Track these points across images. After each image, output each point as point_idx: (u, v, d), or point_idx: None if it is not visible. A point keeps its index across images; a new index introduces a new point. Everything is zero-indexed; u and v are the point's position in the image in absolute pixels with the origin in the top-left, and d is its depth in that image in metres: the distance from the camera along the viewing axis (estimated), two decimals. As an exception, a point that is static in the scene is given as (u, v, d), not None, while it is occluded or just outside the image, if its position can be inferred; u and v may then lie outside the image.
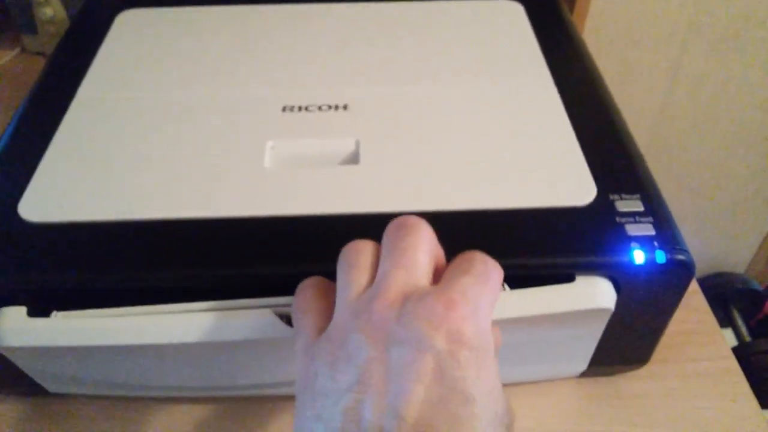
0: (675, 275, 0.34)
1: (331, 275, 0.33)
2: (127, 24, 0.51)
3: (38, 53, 0.72)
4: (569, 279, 0.34)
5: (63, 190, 0.38)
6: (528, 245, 0.34)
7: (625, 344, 0.39)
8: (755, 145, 1.00)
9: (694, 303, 0.46)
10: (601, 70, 0.47)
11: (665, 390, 0.42)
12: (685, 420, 0.40)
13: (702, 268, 1.19)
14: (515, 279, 0.35)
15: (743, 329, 1.09)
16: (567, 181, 0.37)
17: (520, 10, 0.52)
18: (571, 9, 0.62)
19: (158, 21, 0.51)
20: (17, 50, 0.72)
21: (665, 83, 0.93)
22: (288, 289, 0.34)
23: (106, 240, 0.35)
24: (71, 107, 0.43)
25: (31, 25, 0.69)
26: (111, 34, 0.50)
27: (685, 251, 0.34)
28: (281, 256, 0.34)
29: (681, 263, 0.34)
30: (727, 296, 1.13)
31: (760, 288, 1.15)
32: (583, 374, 0.41)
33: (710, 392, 0.42)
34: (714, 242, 1.17)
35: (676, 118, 0.97)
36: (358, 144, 0.40)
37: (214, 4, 0.53)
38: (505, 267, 0.34)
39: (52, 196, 0.37)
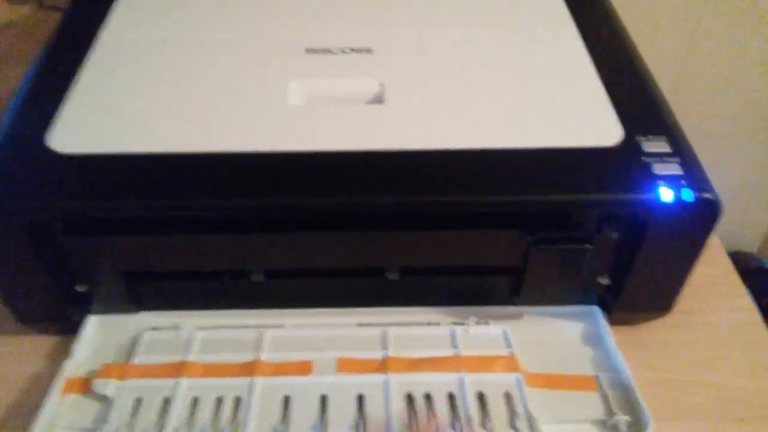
0: (701, 214, 0.35)
1: (353, 208, 0.34)
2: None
3: (54, 7, 0.72)
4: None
5: (89, 124, 0.38)
6: (556, 183, 0.35)
7: (651, 288, 0.39)
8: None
9: (715, 257, 0.46)
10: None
11: (687, 338, 0.42)
12: (705, 367, 0.40)
13: (730, 244, 1.18)
14: (542, 215, 0.35)
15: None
16: (594, 123, 0.37)
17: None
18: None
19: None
20: (34, 4, 0.72)
21: (679, 55, 0.92)
22: (313, 223, 0.35)
23: (132, 171, 0.35)
24: (95, 47, 0.44)
25: (50, -20, 0.69)
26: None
27: (711, 190, 0.34)
28: (305, 190, 0.35)
29: (708, 201, 0.34)
30: (739, 275, 1.13)
31: (773, 266, 1.15)
32: (610, 320, 0.41)
33: (731, 341, 0.42)
34: (726, 221, 1.16)
35: (689, 93, 0.96)
36: (382, 85, 0.40)
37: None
38: (530, 204, 0.34)
39: (78, 129, 0.38)
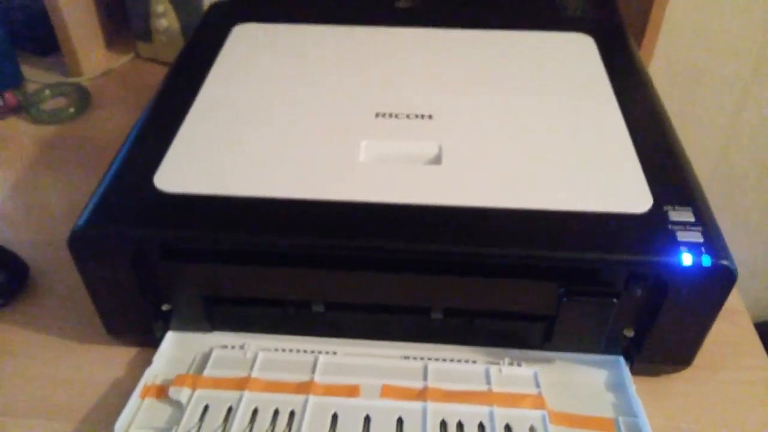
0: (719, 278, 0.39)
1: (407, 254, 0.39)
2: (241, 36, 0.59)
3: (151, 59, 0.80)
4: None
5: (189, 168, 0.44)
6: (590, 243, 0.39)
7: (671, 342, 0.43)
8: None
9: (738, 320, 0.50)
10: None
11: (704, 392, 0.45)
12: (719, 420, 0.44)
13: (757, 312, 1.19)
14: (573, 272, 0.40)
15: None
16: (627, 190, 0.42)
17: (591, 42, 0.57)
18: (639, 44, 0.67)
19: (269, 34, 0.59)
20: (131, 55, 0.81)
21: (728, 121, 0.96)
22: (371, 264, 0.40)
23: (222, 210, 0.42)
24: (197, 100, 0.50)
25: (146, 34, 0.78)
26: (228, 43, 0.58)
27: (728, 257, 0.38)
28: (367, 236, 0.40)
29: (725, 268, 0.38)
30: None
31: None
32: (633, 369, 0.45)
33: (747, 398, 0.45)
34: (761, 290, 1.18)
35: (738, 158, 0.99)
36: (440, 148, 0.46)
37: (318, 23, 0.60)
38: (565, 260, 0.39)
39: (180, 172, 0.44)
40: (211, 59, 0.55)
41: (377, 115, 0.49)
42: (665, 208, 0.41)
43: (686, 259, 0.38)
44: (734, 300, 0.50)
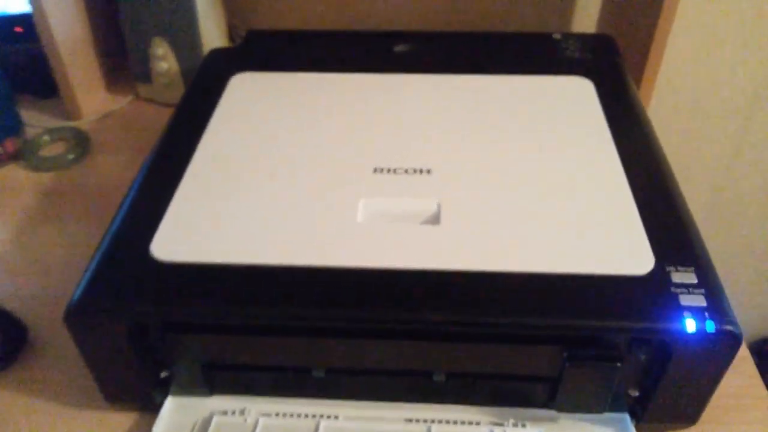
0: (723, 344, 0.38)
1: (411, 323, 0.39)
2: (239, 86, 0.58)
3: (150, 100, 0.80)
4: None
5: (187, 234, 0.44)
6: (592, 309, 0.39)
7: (676, 404, 0.42)
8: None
9: (744, 369, 0.49)
10: (664, 140, 0.52)
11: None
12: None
13: (755, 332, 1.18)
14: (573, 339, 0.39)
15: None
16: (628, 251, 0.41)
17: (590, 86, 0.57)
18: (639, 79, 0.66)
19: (267, 84, 0.59)
20: (131, 97, 0.81)
21: (728, 153, 0.95)
22: (371, 332, 0.40)
23: (220, 280, 0.41)
24: (193, 160, 0.50)
25: (146, 76, 0.78)
26: (226, 94, 0.57)
27: (733, 322, 0.38)
28: (373, 305, 0.40)
29: (729, 333, 0.37)
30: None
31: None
32: (638, 428, 0.44)
33: (757, 456, 0.44)
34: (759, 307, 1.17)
35: (738, 188, 0.98)
36: (439, 206, 0.45)
37: (316, 70, 0.60)
38: (564, 328, 0.38)
39: (179, 239, 0.44)
40: (209, 113, 0.55)
41: (375, 170, 0.48)
42: (668, 268, 0.40)
43: (690, 325, 0.37)
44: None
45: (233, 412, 0.46)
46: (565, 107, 0.54)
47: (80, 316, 0.41)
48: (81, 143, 0.73)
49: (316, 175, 0.48)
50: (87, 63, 0.78)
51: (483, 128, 0.52)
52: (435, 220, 0.45)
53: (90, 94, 0.79)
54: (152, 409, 0.46)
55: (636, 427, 0.44)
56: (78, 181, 0.70)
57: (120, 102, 0.80)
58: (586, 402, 0.44)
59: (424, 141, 0.51)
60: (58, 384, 0.50)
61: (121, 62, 0.82)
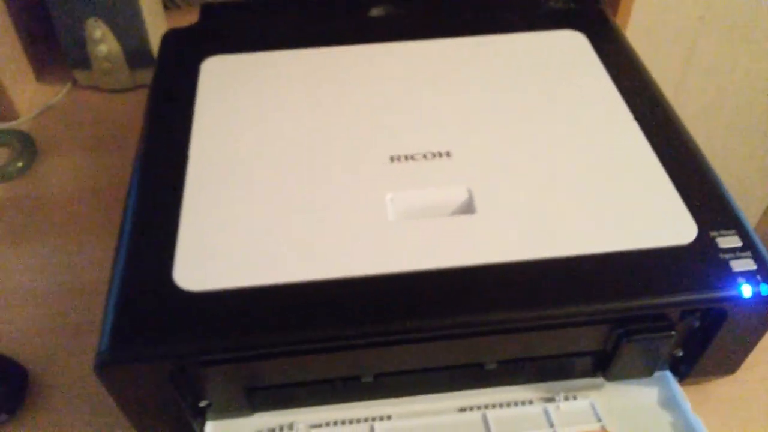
0: (775, 303, 0.39)
1: (463, 326, 0.37)
2: (215, 72, 0.53)
3: (91, 87, 0.73)
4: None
5: (210, 257, 0.40)
6: (646, 287, 0.38)
7: (722, 358, 0.44)
8: (758, 131, 1.06)
9: None
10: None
11: (749, 393, 0.47)
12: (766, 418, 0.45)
13: None
14: (631, 319, 0.39)
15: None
16: (670, 222, 0.41)
17: (584, 41, 0.55)
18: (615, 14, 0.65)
19: (245, 68, 0.53)
20: (68, 86, 0.73)
21: (676, 75, 0.97)
22: (432, 339, 0.39)
23: (254, 304, 0.38)
24: (189, 167, 0.46)
25: (84, 61, 0.70)
26: (202, 83, 0.52)
27: (783, 282, 0.39)
28: (422, 312, 0.38)
29: (781, 294, 0.38)
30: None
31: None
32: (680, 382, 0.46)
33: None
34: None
35: (686, 107, 1.01)
36: (470, 192, 0.43)
37: (290, 47, 0.55)
38: (620, 310, 0.38)
39: (202, 264, 0.40)
40: (189, 108, 0.50)
41: (392, 159, 0.46)
42: (711, 234, 0.41)
43: (746, 290, 0.38)
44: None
45: (281, 428, 0.44)
46: (567, 67, 0.53)
47: (115, 365, 0.37)
48: (26, 147, 0.65)
49: (331, 172, 0.45)
50: (13, 52, 0.69)
51: (491, 98, 0.50)
52: (469, 209, 0.43)
53: (21, 86, 0.70)
54: (190, 437, 0.44)
55: (679, 382, 0.45)
56: (31, 192, 0.63)
57: (57, 93, 0.72)
58: (636, 370, 0.44)
59: (434, 119, 0.49)
60: (74, 427, 0.46)
61: (50, 48, 0.74)
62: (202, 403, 0.43)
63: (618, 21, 0.65)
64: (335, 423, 0.44)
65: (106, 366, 0.37)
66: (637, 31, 0.91)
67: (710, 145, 1.06)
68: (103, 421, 0.46)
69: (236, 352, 0.38)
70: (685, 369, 0.45)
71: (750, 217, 1.21)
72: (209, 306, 0.38)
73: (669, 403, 0.45)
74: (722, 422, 0.45)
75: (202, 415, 0.44)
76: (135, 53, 0.69)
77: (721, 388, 0.47)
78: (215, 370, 0.39)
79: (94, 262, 0.39)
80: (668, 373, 0.46)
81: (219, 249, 0.41)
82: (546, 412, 0.44)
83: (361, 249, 0.41)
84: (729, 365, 0.45)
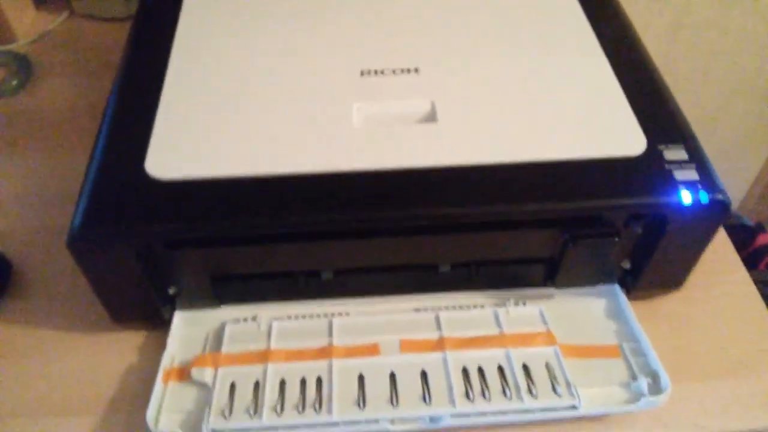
0: (715, 212, 0.41)
1: (418, 219, 0.40)
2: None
3: (88, 16, 0.75)
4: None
5: (180, 149, 0.43)
6: (594, 190, 0.41)
7: (664, 272, 0.46)
8: (750, 90, 1.07)
9: (718, 239, 0.53)
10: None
11: (695, 310, 0.49)
12: (711, 334, 0.47)
13: None
14: (572, 221, 0.41)
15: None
16: (621, 135, 0.43)
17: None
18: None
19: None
20: (66, 13, 0.75)
21: (668, 34, 0.98)
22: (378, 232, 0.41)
23: (220, 193, 0.41)
24: (168, 73, 0.48)
25: (81, -11, 0.72)
26: (186, 3, 0.54)
27: (723, 192, 0.41)
28: (380, 205, 0.40)
29: (720, 202, 0.40)
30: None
31: (751, 223, 1.23)
32: (629, 296, 0.48)
33: (731, 310, 0.49)
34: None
35: (678, 64, 1.02)
36: (433, 104, 0.45)
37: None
38: (571, 211, 0.40)
39: (172, 155, 0.42)
40: (172, 22, 0.52)
41: (362, 73, 0.48)
42: (660, 147, 0.42)
43: (686, 197, 0.40)
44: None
45: (245, 320, 0.47)
46: (544, 3, 0.54)
47: (85, 241, 0.40)
48: (22, 67, 0.68)
49: (302, 82, 0.47)
50: (13, -23, 0.71)
51: (463, 23, 0.52)
52: (431, 118, 0.45)
53: (21, 13, 0.73)
54: (160, 325, 0.47)
55: (627, 296, 0.48)
56: (26, 108, 0.65)
57: (54, 20, 0.74)
58: (583, 277, 0.47)
59: (405, 40, 0.51)
60: (55, 314, 0.49)
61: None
62: (171, 290, 0.45)
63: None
64: (296, 317, 0.47)
65: (77, 242, 0.40)
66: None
67: (703, 106, 1.07)
68: (80, 310, 0.49)
69: (197, 234, 0.41)
70: (632, 281, 0.47)
71: (742, 181, 1.22)
72: (175, 193, 0.41)
73: (614, 313, 0.47)
74: (667, 335, 0.47)
75: (171, 303, 0.46)
76: (129, -19, 0.72)
77: (668, 305, 0.49)
78: (179, 254, 0.42)
79: (81, 171, 0.41)
80: (616, 287, 0.48)
81: (190, 143, 0.43)
82: (495, 316, 0.47)
83: (324, 148, 0.43)
84: (674, 279, 0.47)
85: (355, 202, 0.40)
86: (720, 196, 0.40)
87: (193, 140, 0.43)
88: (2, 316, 0.49)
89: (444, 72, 0.48)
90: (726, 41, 1.00)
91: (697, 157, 0.42)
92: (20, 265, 0.52)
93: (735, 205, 1.28)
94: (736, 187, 1.24)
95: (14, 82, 0.66)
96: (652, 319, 0.48)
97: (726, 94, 1.07)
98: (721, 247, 0.52)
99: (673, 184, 0.40)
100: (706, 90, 1.06)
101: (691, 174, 0.41)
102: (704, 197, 0.40)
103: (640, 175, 0.41)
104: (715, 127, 1.12)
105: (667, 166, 0.41)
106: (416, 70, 0.48)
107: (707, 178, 0.41)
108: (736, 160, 1.18)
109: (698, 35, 0.98)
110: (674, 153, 0.42)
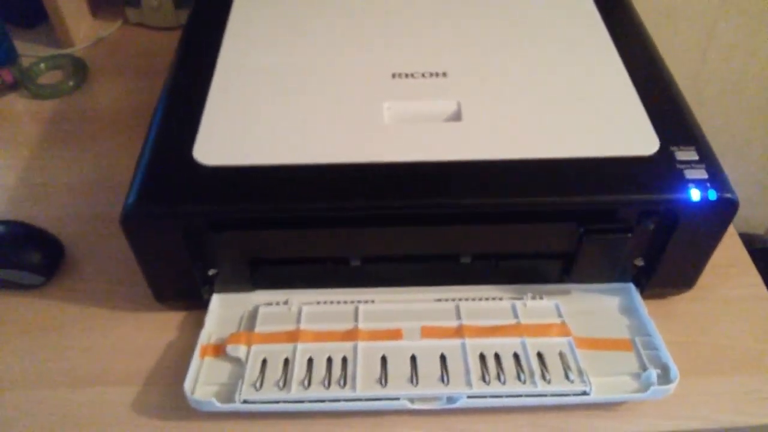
0: (723, 210, 0.43)
1: (441, 208, 0.43)
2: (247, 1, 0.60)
3: (140, 24, 0.80)
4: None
5: (226, 139, 0.47)
6: (607, 186, 0.43)
7: (678, 268, 0.48)
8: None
9: (730, 241, 0.55)
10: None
11: (706, 310, 0.51)
12: (720, 332, 0.49)
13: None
14: (591, 213, 0.44)
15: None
16: (635, 135, 0.46)
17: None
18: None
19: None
20: (119, 22, 0.81)
21: (697, 53, 1.00)
22: (403, 220, 0.44)
23: (262, 179, 0.44)
24: (217, 69, 0.52)
25: (135, 0, 0.77)
26: (235, 5, 0.58)
27: (731, 190, 0.43)
28: (406, 194, 0.43)
29: (728, 200, 0.43)
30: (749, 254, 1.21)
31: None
32: (642, 295, 0.50)
33: (742, 312, 0.50)
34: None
35: (707, 89, 1.04)
36: (459, 105, 0.49)
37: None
38: (586, 204, 0.43)
39: (218, 144, 0.46)
40: (222, 24, 0.56)
41: (394, 75, 0.51)
42: (671, 148, 0.45)
43: (695, 194, 0.42)
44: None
45: (277, 303, 0.50)
46: (563, 5, 0.57)
47: (136, 220, 0.43)
48: (79, 70, 0.73)
49: (339, 81, 0.51)
50: (73, -12, 0.77)
51: (489, 30, 0.55)
52: (457, 117, 0.48)
53: (79, 20, 0.78)
54: (199, 306, 0.50)
55: (640, 294, 0.50)
56: (80, 107, 0.70)
57: (109, 28, 0.80)
58: (598, 272, 0.49)
59: (435, 45, 0.54)
60: (102, 292, 0.53)
61: (106, -14, 0.82)
62: (211, 272, 0.49)
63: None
64: (325, 302, 0.50)
65: (129, 218, 0.43)
66: (657, 13, 0.94)
67: (731, 128, 1.08)
68: (125, 290, 0.53)
69: (237, 216, 0.44)
70: (645, 279, 0.49)
71: (764, 206, 1.22)
72: (220, 178, 0.44)
73: (628, 309, 0.49)
74: (678, 333, 0.49)
75: (210, 285, 0.50)
76: (180, -7, 0.77)
77: (681, 305, 0.51)
78: (221, 236, 0.45)
79: (131, 165, 0.45)
80: (630, 284, 0.50)
81: (234, 133, 0.47)
82: (513, 307, 0.49)
83: (356, 141, 0.46)
84: (686, 278, 0.49)
85: (384, 191, 0.43)
86: (728, 195, 0.42)
87: (237, 131, 0.47)
88: (54, 293, 0.53)
89: (469, 75, 0.51)
90: (754, 62, 1.01)
91: (707, 158, 0.44)
92: (71, 247, 0.56)
93: (762, 230, 1.28)
94: (764, 212, 1.24)
95: (71, 83, 0.71)
96: (664, 317, 0.50)
97: (754, 118, 1.08)
98: (732, 248, 0.54)
99: (683, 182, 0.43)
100: (733, 114, 1.07)
101: (701, 173, 0.43)
102: (713, 195, 0.42)
103: (652, 173, 0.43)
104: (743, 152, 1.13)
105: (678, 165, 0.44)
106: (444, 74, 0.51)
107: (716, 178, 0.43)
108: (764, 184, 1.18)
109: (726, 57, 1.00)
110: (686, 154, 0.44)
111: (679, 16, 0.96)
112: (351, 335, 0.47)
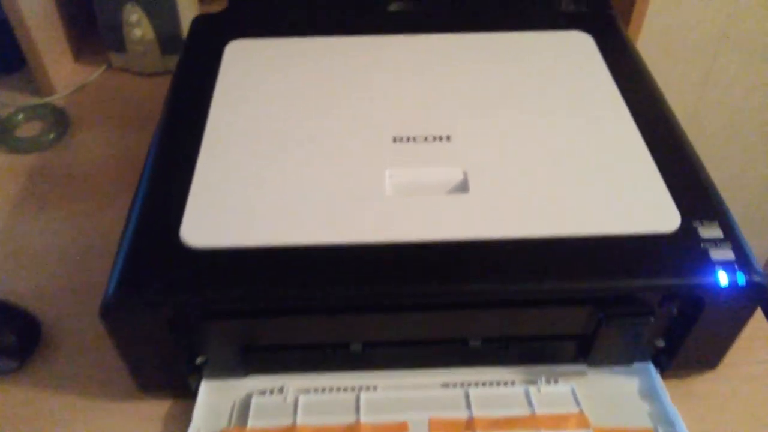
0: (752, 294, 0.40)
1: (448, 295, 0.39)
2: (236, 55, 0.56)
3: (124, 70, 0.77)
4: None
5: (215, 217, 0.43)
6: (628, 269, 0.40)
7: (703, 350, 0.45)
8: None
9: (754, 317, 0.51)
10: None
11: (730, 390, 0.47)
12: (748, 418, 0.46)
13: None
14: (605, 299, 0.41)
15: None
16: (655, 210, 0.43)
17: (590, 41, 0.57)
18: (627, 22, 0.67)
19: (265, 51, 0.56)
20: (103, 67, 0.77)
21: (696, 91, 0.98)
22: (420, 308, 0.41)
23: (255, 263, 0.41)
24: (204, 138, 0.48)
25: (119, 44, 0.74)
26: (224, 64, 0.55)
27: (760, 273, 0.40)
28: (411, 279, 0.40)
29: (758, 284, 0.39)
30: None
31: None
32: (662, 375, 0.47)
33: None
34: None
35: (705, 125, 1.02)
36: (465, 174, 0.45)
37: (312, 34, 0.58)
38: (600, 290, 0.40)
39: (207, 223, 0.43)
40: (210, 86, 0.53)
41: (395, 139, 0.48)
42: (694, 224, 0.42)
43: (722, 278, 0.39)
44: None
45: (271, 392, 0.46)
46: (572, 66, 0.54)
47: (118, 311, 0.40)
48: (59, 121, 0.69)
49: (336, 148, 0.48)
50: (54, 33, 0.73)
51: (494, 90, 0.52)
52: (463, 188, 0.45)
53: (60, 65, 0.74)
54: (185, 395, 0.46)
55: (660, 376, 0.46)
56: (61, 162, 0.66)
57: (92, 73, 0.76)
58: (617, 355, 0.46)
59: (438, 106, 0.51)
60: (80, 378, 0.49)
61: (89, 30, 0.78)
62: (199, 360, 0.45)
63: (630, 32, 0.66)
64: (324, 390, 0.46)
65: (110, 310, 0.40)
66: (655, 49, 0.92)
67: (729, 165, 1.06)
68: (107, 375, 0.49)
69: (230, 305, 0.41)
70: (667, 361, 0.46)
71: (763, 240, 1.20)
72: (210, 262, 0.41)
73: (648, 394, 0.46)
74: (702, 417, 0.46)
75: (198, 373, 0.46)
76: (167, 39, 0.73)
77: (703, 384, 0.48)
78: (211, 324, 0.42)
79: (114, 227, 0.41)
80: (650, 366, 0.47)
81: (225, 212, 0.44)
82: (527, 394, 0.46)
83: (356, 218, 0.43)
84: (709, 359, 0.46)
85: (387, 276, 0.40)
86: (758, 278, 0.39)
87: (228, 208, 0.44)
88: (30, 379, 0.49)
89: (476, 141, 0.48)
90: (753, 98, 0.99)
91: (732, 235, 0.41)
92: (48, 324, 0.52)
93: (761, 264, 1.26)
94: (762, 248, 1.22)
95: (51, 136, 0.67)
96: (686, 398, 0.46)
97: (753, 154, 1.06)
98: (756, 322, 0.51)
99: (709, 264, 0.40)
100: (731, 150, 1.05)
101: (727, 254, 0.40)
102: (741, 279, 0.39)
103: (674, 253, 0.40)
104: (742, 187, 1.10)
105: (702, 244, 0.41)
106: (448, 138, 0.48)
107: (743, 258, 0.40)
108: (762, 220, 1.16)
109: (725, 93, 0.98)
110: (709, 230, 0.41)
111: (678, 51, 0.94)
112: (353, 430, 0.44)
